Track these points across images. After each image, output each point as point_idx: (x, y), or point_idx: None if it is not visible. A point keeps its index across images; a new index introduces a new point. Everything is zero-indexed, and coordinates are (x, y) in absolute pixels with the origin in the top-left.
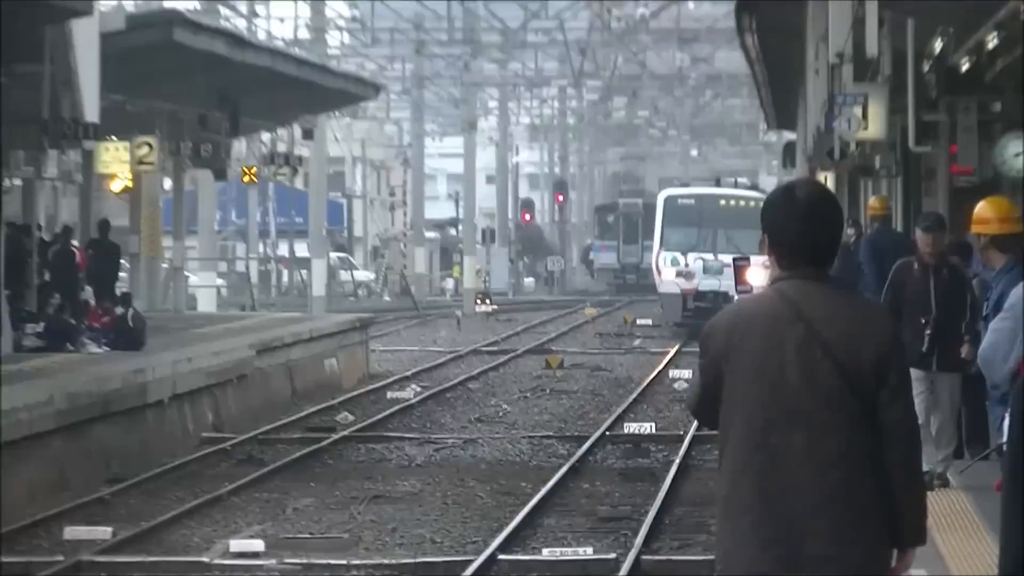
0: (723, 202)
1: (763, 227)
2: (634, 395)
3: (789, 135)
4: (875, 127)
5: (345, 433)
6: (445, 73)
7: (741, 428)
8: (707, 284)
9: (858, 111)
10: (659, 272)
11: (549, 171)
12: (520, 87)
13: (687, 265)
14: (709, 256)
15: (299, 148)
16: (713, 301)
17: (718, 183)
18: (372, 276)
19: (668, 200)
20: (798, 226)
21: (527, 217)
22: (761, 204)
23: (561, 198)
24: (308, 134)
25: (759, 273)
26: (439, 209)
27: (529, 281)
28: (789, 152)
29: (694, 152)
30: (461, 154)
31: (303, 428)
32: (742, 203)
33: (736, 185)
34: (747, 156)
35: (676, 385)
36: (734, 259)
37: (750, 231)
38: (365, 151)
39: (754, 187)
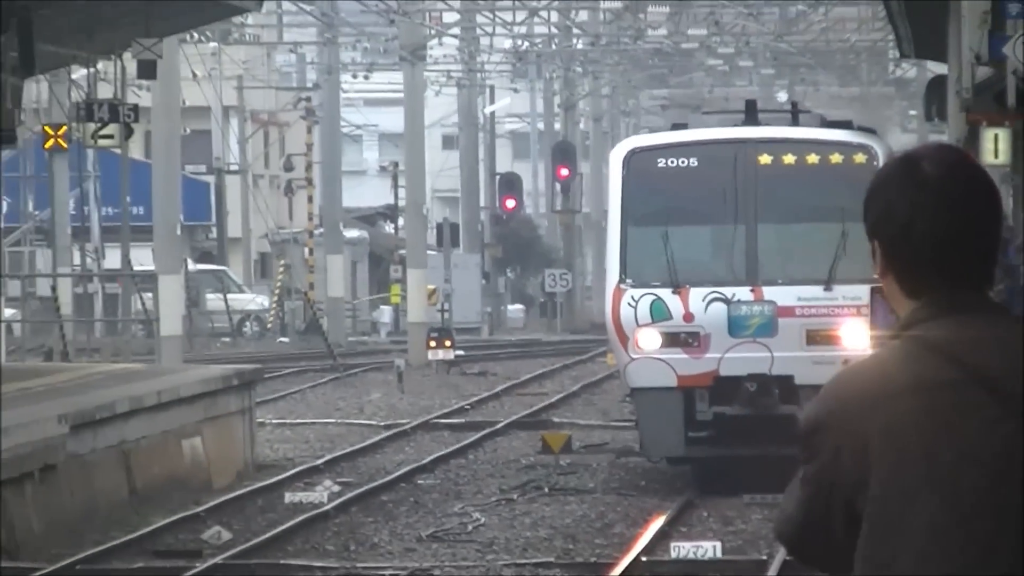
0: (766, 156)
1: (870, 227)
2: (685, 495)
3: (936, 68)
4: None
5: (217, 560)
6: None
7: None
8: (740, 361)
9: None
10: (621, 333)
11: (545, 128)
12: None
13: (687, 315)
14: (738, 291)
15: (135, 94)
16: (756, 402)
17: (750, 112)
18: (264, 303)
19: (634, 161)
20: (943, 225)
21: (511, 204)
22: (868, 161)
23: (566, 172)
24: (148, 70)
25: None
26: (366, 191)
27: (515, 310)
28: (935, 95)
29: (782, 96)
30: (400, 100)
31: (148, 553)
32: (814, 157)
33: (796, 117)
34: (868, 103)
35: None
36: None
37: (844, 225)
38: (243, 97)
39: (850, 125)
